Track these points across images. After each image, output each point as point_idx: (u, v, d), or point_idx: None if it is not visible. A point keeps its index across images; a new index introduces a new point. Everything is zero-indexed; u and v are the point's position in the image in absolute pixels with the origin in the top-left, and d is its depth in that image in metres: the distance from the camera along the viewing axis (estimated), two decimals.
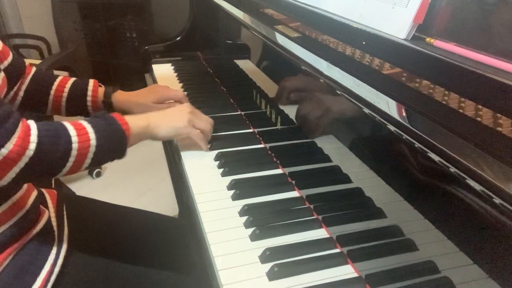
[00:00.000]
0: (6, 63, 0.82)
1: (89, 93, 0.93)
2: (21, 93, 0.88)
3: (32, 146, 0.58)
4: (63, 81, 0.93)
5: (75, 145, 0.63)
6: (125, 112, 0.97)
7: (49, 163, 0.62)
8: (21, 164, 0.58)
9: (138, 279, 0.77)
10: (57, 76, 0.94)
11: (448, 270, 0.46)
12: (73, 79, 0.95)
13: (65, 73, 2.18)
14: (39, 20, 2.64)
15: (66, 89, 0.92)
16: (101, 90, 0.95)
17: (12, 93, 0.87)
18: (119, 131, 0.69)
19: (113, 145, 0.69)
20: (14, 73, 0.84)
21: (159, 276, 0.79)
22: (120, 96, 0.96)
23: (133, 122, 0.73)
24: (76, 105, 0.94)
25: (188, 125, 0.81)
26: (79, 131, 0.65)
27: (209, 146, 0.87)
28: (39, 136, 0.60)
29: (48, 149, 0.61)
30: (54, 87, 0.92)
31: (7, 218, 0.68)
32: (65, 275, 0.70)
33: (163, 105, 0.99)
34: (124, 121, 0.71)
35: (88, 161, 0.66)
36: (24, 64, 0.90)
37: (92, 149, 0.65)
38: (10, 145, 0.56)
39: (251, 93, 1.01)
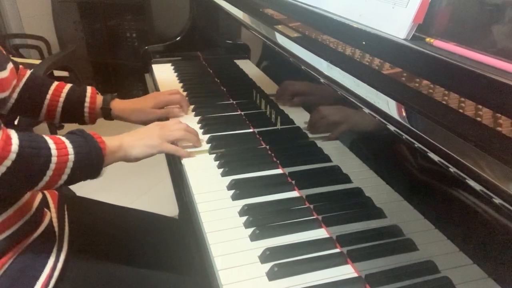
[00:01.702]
0: None
1: (87, 99, 0.92)
2: (15, 95, 0.86)
3: (12, 156, 0.57)
4: (59, 86, 0.91)
5: (54, 159, 0.63)
6: (122, 120, 0.97)
7: (26, 176, 0.61)
8: None
9: (138, 280, 0.77)
10: (53, 81, 0.92)
11: (448, 270, 0.46)
12: (69, 85, 0.93)
13: (65, 73, 2.18)
14: (39, 20, 2.64)
15: (63, 95, 0.90)
16: (99, 97, 0.94)
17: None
18: (96, 149, 0.69)
19: (90, 162, 0.69)
20: None
21: (159, 277, 0.79)
22: (118, 104, 0.95)
23: (109, 141, 0.73)
24: (73, 111, 0.92)
25: (161, 141, 0.80)
26: (58, 145, 0.65)
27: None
28: (20, 146, 0.59)
29: (27, 161, 0.60)
30: (50, 92, 0.90)
31: (12, 223, 0.67)
32: (64, 279, 0.69)
33: (161, 110, 0.99)
34: (101, 140, 0.71)
35: (64, 176, 0.65)
36: (17, 64, 0.88)
37: (70, 164, 0.65)
38: None
39: (251, 93, 1.01)
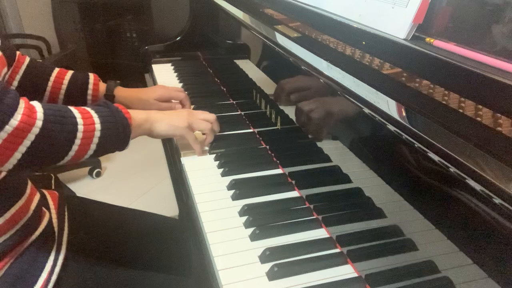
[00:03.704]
0: None
1: (90, 86, 0.91)
2: (15, 83, 0.85)
3: (39, 123, 0.57)
4: (61, 73, 0.91)
5: (80, 127, 0.62)
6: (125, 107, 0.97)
7: (54, 145, 0.60)
8: (27, 142, 0.55)
9: (138, 281, 0.77)
10: (53, 67, 0.91)
11: (448, 270, 0.46)
12: (71, 71, 0.92)
13: None
14: (39, 20, 2.64)
15: (66, 81, 0.90)
16: (102, 84, 0.94)
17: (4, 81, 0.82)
18: (122, 119, 0.69)
19: (117, 132, 0.68)
20: (5, 55, 0.80)
21: (159, 277, 0.79)
22: (122, 91, 0.95)
23: (134, 113, 0.73)
24: (76, 98, 0.91)
25: (187, 126, 0.81)
26: (84, 114, 0.64)
27: (206, 149, 0.86)
28: (45, 114, 0.58)
29: (54, 128, 0.59)
30: (52, 78, 0.89)
31: (9, 227, 0.66)
32: (62, 282, 0.68)
33: (164, 104, 0.99)
34: (126, 111, 0.71)
35: (93, 146, 0.64)
36: (14, 49, 0.86)
37: (97, 133, 0.64)
38: (14, 122, 0.54)
39: (251, 93, 1.01)
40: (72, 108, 0.64)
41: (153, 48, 1.50)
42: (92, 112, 0.66)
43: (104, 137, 0.65)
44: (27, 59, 0.89)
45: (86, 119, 0.63)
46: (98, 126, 0.65)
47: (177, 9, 2.15)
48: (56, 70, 0.91)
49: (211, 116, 0.87)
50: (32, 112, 0.57)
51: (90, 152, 0.65)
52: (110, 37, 2.61)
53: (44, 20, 2.65)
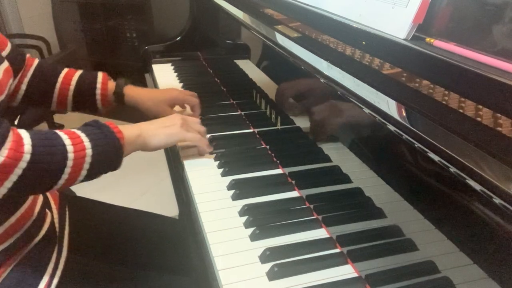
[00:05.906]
0: (7, 50, 0.79)
1: (99, 85, 0.88)
2: (24, 86, 0.84)
3: (26, 157, 0.54)
4: (69, 73, 0.88)
5: (70, 155, 0.59)
6: (134, 106, 0.92)
7: (44, 175, 0.58)
8: (14, 177, 0.53)
9: (138, 281, 0.77)
10: (62, 68, 0.89)
11: (448, 270, 0.46)
12: (80, 71, 0.90)
13: None
14: (39, 20, 2.64)
15: (74, 81, 0.87)
16: (111, 82, 0.91)
17: (13, 86, 0.82)
18: (114, 140, 0.65)
19: (109, 154, 0.65)
20: (15, 62, 0.80)
21: (159, 277, 0.79)
22: (132, 90, 0.91)
23: (126, 130, 0.69)
24: (84, 98, 0.88)
25: (181, 130, 0.77)
26: (74, 140, 0.60)
27: (212, 151, 0.84)
28: (33, 146, 0.55)
29: (43, 159, 0.56)
30: (60, 79, 0.87)
31: (15, 231, 0.66)
32: (64, 283, 0.69)
33: (174, 110, 0.95)
34: (118, 129, 0.67)
35: (84, 172, 0.62)
36: (23, 54, 0.85)
37: (88, 159, 0.61)
38: (0, 158, 0.52)
39: (251, 93, 1.01)
40: (61, 134, 0.61)
41: (153, 48, 1.49)
42: (83, 136, 0.62)
43: (95, 161, 0.62)
44: (36, 61, 0.87)
45: (76, 145, 0.60)
46: (89, 151, 0.61)
47: (177, 9, 2.15)
48: (65, 71, 0.89)
49: (203, 128, 0.83)
50: (19, 146, 0.54)
51: (81, 177, 0.62)
52: (110, 37, 2.60)
53: (44, 20, 2.65)
